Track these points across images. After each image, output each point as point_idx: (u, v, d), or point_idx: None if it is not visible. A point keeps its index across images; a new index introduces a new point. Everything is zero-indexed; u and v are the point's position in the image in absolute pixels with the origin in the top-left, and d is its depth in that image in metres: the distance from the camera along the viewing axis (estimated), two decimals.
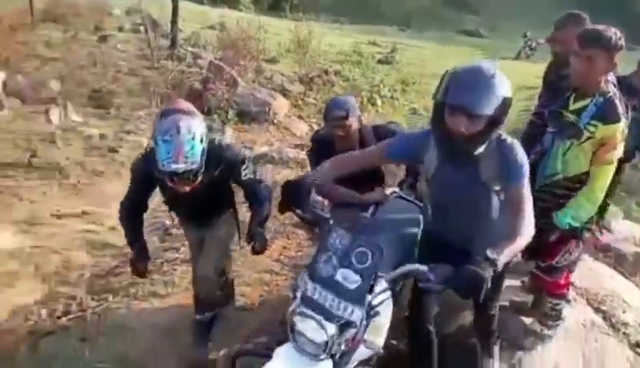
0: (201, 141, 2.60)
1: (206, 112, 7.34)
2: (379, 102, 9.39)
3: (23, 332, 3.41)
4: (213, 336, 3.17)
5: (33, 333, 3.40)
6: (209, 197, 2.92)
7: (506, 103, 1.92)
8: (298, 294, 1.92)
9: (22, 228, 4.54)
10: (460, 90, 1.91)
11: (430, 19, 19.59)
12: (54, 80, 6.89)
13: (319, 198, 2.39)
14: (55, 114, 6.39)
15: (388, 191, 2.93)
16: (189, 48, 9.70)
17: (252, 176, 2.91)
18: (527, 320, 3.11)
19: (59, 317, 3.53)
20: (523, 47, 16.35)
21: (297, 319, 1.88)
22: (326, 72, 9.91)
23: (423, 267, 1.80)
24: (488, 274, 1.69)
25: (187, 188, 2.69)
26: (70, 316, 3.55)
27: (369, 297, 1.88)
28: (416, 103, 9.56)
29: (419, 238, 2.54)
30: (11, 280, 3.90)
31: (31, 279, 3.95)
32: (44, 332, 3.41)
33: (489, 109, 1.88)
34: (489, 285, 1.70)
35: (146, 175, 2.77)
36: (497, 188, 2.16)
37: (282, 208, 2.16)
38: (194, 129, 2.58)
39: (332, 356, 1.91)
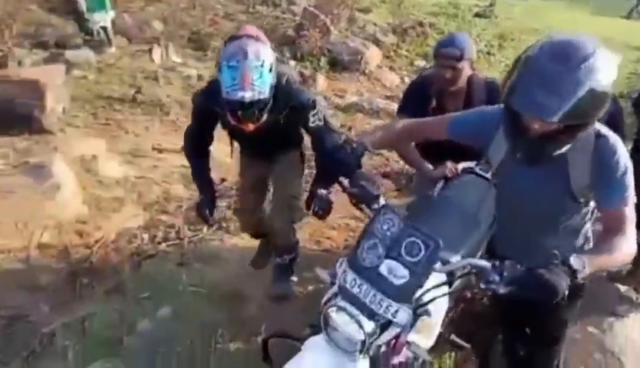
0: (270, 70, 2.37)
1: (299, 58, 7.41)
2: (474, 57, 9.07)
3: (127, 252, 3.72)
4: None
5: (136, 255, 3.70)
6: (275, 139, 2.73)
7: (597, 97, 1.45)
8: (336, 283, 1.68)
9: (127, 159, 4.87)
10: (530, 84, 1.47)
11: None
12: (157, 21, 7.18)
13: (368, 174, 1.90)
14: (157, 54, 6.68)
15: (461, 165, 2.53)
16: None
17: (320, 124, 2.62)
18: (622, 288, 3.04)
19: (159, 243, 3.82)
20: (636, 5, 15.08)
21: (332, 311, 1.63)
22: (420, 24, 9.64)
23: (487, 264, 1.48)
24: (566, 285, 1.36)
25: (251, 127, 2.48)
26: (169, 242, 3.83)
27: (418, 294, 1.59)
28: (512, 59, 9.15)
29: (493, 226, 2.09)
30: (118, 205, 4.22)
31: (134, 206, 4.26)
32: (145, 255, 3.70)
33: (568, 106, 1.42)
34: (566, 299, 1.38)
35: (207, 110, 2.60)
36: (590, 201, 1.72)
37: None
38: (263, 56, 2.35)
39: (370, 357, 1.67)
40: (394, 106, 6.27)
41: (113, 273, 3.54)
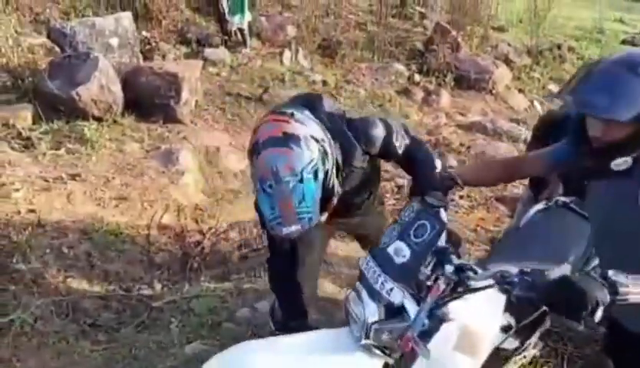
0: (315, 179, 1.84)
1: (425, 73, 7.33)
2: None
3: (236, 243, 3.90)
4: None
5: (244, 247, 3.87)
6: (360, 191, 2.36)
7: None
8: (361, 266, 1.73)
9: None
10: (588, 86, 1.44)
11: None
12: (290, 26, 7.44)
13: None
14: (287, 57, 6.94)
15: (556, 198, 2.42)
16: (418, 8, 9.68)
17: (406, 142, 2.22)
18: None
19: None
20: None
21: (350, 296, 1.68)
22: (559, 47, 9.13)
23: (512, 270, 1.40)
24: (602, 296, 1.22)
25: (332, 209, 2.13)
26: None
27: (433, 298, 1.50)
28: None
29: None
30: (233, 197, 4.44)
31: (248, 200, 4.44)
32: (252, 248, 3.85)
33: (631, 111, 1.38)
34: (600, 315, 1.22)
35: None
36: None
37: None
38: (299, 166, 1.80)
39: (387, 355, 1.61)
40: (519, 130, 6.00)
41: (221, 261, 3.73)
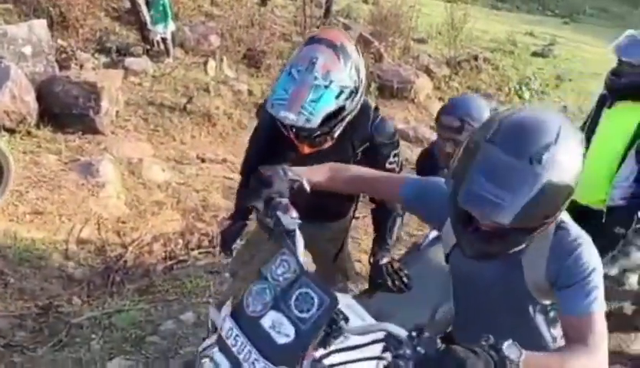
0: (337, 96, 1.86)
1: None
2: (527, 95, 8.92)
3: (161, 255, 3.82)
4: None
5: (169, 258, 3.79)
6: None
7: (558, 192, 1.26)
8: (218, 330, 1.41)
9: (171, 165, 5.00)
10: (479, 177, 1.25)
11: (599, 13, 18.07)
12: (214, 36, 7.38)
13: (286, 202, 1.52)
14: (212, 66, 6.87)
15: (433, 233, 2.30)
16: (341, 19, 9.87)
17: (397, 168, 2.16)
18: None
19: (192, 249, 3.89)
20: None
21: (204, 363, 1.42)
22: (475, 58, 9.57)
23: (403, 332, 1.20)
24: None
25: (306, 150, 2.02)
26: (202, 250, 3.90)
27: (318, 355, 1.30)
28: (569, 100, 8.96)
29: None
30: (157, 209, 4.34)
31: (172, 211, 4.37)
32: (178, 259, 3.78)
33: (521, 205, 1.22)
34: None
35: (272, 127, 2.07)
36: (547, 302, 1.49)
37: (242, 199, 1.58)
38: (335, 76, 1.85)
39: None
40: None
41: (144, 273, 3.64)
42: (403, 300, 1.95)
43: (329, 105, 1.86)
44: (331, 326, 1.29)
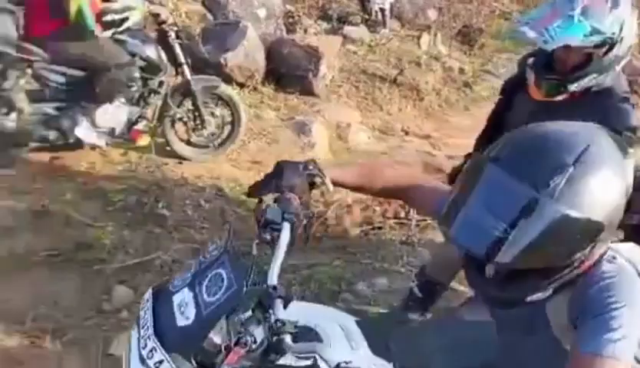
0: (585, 35, 1.74)
1: None
2: None
3: (359, 219, 3.96)
4: None
5: (366, 224, 3.92)
6: None
7: (576, 230, 1.00)
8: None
9: (375, 134, 5.13)
10: (474, 207, 1.04)
11: None
12: (432, 10, 7.32)
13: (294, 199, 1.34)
14: (425, 41, 6.84)
15: None
16: None
17: None
18: None
19: (388, 218, 3.97)
20: None
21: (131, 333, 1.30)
22: None
23: (332, 360, 1.10)
24: None
25: (539, 96, 1.93)
26: (397, 220, 3.96)
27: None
28: None
29: None
30: None
31: None
32: (374, 225, 3.90)
33: (523, 243, 1.00)
34: None
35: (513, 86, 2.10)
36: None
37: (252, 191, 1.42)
38: (592, 15, 1.74)
39: None
40: None
41: (342, 234, 3.81)
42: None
43: (573, 37, 1.74)
44: (272, 336, 1.11)
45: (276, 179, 1.37)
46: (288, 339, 1.10)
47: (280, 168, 1.39)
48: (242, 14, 5.66)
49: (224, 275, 1.18)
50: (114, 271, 3.01)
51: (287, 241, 1.26)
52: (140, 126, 3.90)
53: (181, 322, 1.18)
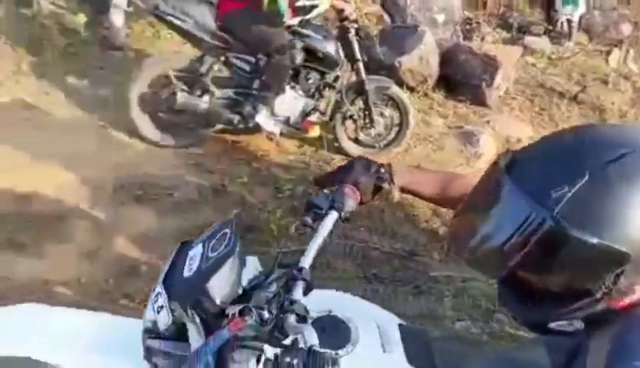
0: None
1: None
2: None
3: None
4: None
5: None
6: None
7: (590, 257, 0.82)
8: None
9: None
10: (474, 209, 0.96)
11: None
12: (626, 24, 6.71)
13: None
14: (615, 58, 6.30)
15: None
16: None
17: None
18: None
19: None
20: None
21: None
22: None
23: (312, 340, 1.02)
24: None
25: None
26: None
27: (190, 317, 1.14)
28: None
29: None
30: None
31: None
32: None
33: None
34: None
35: None
36: None
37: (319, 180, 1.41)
38: None
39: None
40: None
41: None
42: None
43: None
44: (280, 315, 1.09)
45: (344, 172, 1.36)
46: (292, 319, 1.07)
47: (352, 163, 1.37)
48: (421, 18, 5.66)
49: (228, 234, 1.22)
50: (277, 255, 3.19)
51: (328, 230, 1.27)
52: (313, 117, 4.07)
53: (186, 273, 1.22)
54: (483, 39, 6.15)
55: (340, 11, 3.91)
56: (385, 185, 1.36)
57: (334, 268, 3.21)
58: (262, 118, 3.87)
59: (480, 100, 5.15)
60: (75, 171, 3.47)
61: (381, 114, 4.21)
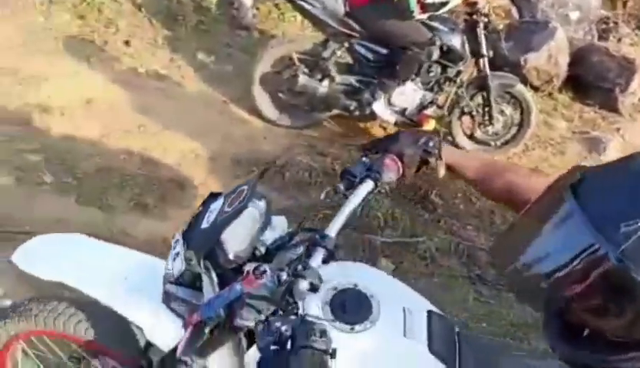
0: None
1: None
2: None
3: None
4: None
5: None
6: None
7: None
8: None
9: None
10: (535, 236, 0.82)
11: None
12: None
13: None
14: None
15: None
16: None
17: None
18: None
19: None
20: None
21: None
22: None
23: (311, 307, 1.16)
24: None
25: None
26: None
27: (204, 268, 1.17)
28: None
29: None
30: None
31: None
32: None
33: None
34: None
35: None
36: None
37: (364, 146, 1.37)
38: None
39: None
40: None
41: None
42: None
43: None
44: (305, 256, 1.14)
45: (390, 141, 1.34)
46: (302, 285, 1.07)
47: (399, 133, 1.35)
48: (552, 14, 5.34)
49: (245, 192, 1.26)
50: (381, 244, 3.20)
51: (361, 198, 1.26)
52: (430, 110, 4.00)
53: (204, 225, 1.26)
54: (619, 40, 5.69)
55: (472, 4, 3.78)
56: (432, 160, 1.32)
57: (440, 265, 3.17)
58: (379, 107, 3.87)
59: (610, 106, 4.79)
60: (198, 141, 3.67)
61: (501, 112, 4.05)
